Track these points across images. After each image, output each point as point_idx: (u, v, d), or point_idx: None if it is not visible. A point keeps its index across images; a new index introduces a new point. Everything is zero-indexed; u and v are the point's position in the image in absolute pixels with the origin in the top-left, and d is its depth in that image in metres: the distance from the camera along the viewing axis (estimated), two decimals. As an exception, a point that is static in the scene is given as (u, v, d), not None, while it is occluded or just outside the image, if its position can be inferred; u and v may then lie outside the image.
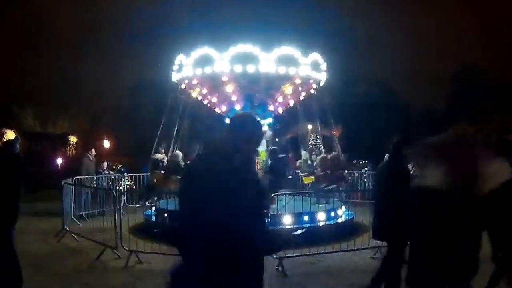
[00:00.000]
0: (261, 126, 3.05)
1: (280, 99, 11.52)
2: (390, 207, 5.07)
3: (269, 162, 11.24)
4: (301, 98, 12.14)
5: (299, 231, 3.14)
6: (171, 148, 13.01)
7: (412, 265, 3.48)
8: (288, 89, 11.10)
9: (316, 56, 11.01)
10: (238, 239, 2.75)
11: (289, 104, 12.31)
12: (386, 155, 16.29)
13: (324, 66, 11.33)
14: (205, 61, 10.42)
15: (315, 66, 10.97)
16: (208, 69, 10.41)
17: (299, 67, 10.49)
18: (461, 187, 3.02)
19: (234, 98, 11.25)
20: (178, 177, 11.60)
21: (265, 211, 3.00)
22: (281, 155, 11.96)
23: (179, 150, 12.88)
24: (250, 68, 10.09)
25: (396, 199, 4.70)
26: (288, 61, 10.28)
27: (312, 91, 11.77)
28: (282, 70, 10.24)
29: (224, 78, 10.52)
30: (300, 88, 11.42)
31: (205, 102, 12.28)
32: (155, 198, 11.87)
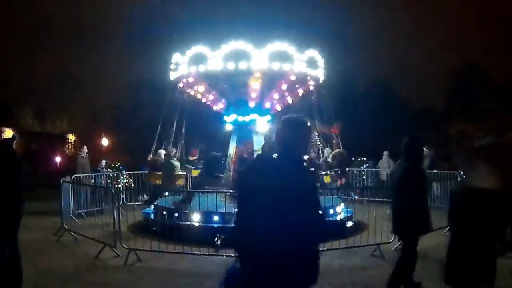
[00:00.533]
0: (310, 127, 3.29)
1: (276, 96, 11.49)
2: (404, 204, 5.49)
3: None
4: (299, 95, 12.12)
5: (349, 223, 3.35)
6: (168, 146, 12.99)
7: (453, 264, 3.62)
8: (283, 85, 11.05)
9: (313, 52, 10.90)
10: (297, 231, 2.95)
11: (287, 102, 12.30)
12: (385, 152, 16.40)
13: (322, 63, 11.29)
14: (199, 59, 10.45)
15: (312, 63, 10.87)
16: (202, 67, 10.43)
17: (294, 63, 10.38)
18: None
19: (228, 95, 11.27)
20: (159, 172, 12.25)
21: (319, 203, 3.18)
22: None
23: (175, 148, 12.93)
24: (242, 65, 10.05)
25: (410, 197, 5.34)
26: (283, 57, 10.20)
27: (310, 87, 11.75)
28: (275, 66, 10.17)
29: (217, 76, 10.52)
30: (297, 85, 11.39)
31: (203, 100, 12.29)
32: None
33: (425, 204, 5.75)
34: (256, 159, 3.28)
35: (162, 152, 12.89)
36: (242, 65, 10.03)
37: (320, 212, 3.20)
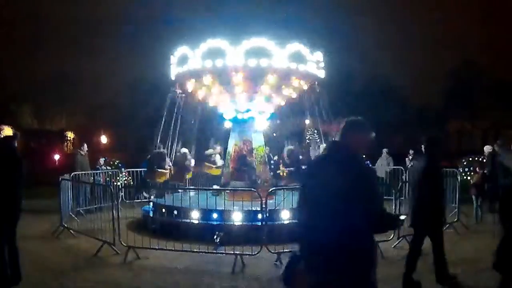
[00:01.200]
0: (370, 129, 3.52)
1: (266, 91, 11.40)
2: (424, 200, 6.04)
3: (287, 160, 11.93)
4: (298, 92, 12.06)
5: (402, 217, 3.57)
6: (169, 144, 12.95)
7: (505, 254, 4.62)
8: (270, 82, 10.96)
9: (297, 46, 10.63)
10: (356, 223, 3.17)
11: (285, 98, 12.24)
12: (384, 150, 16.39)
13: (313, 57, 11.12)
14: (183, 59, 10.63)
15: (298, 57, 10.65)
16: (185, 67, 10.60)
17: (272, 58, 10.18)
18: None
19: (218, 93, 11.23)
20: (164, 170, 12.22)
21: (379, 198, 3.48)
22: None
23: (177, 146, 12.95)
24: (218, 63, 10.07)
25: (429, 192, 5.95)
26: (259, 53, 10.06)
27: (307, 84, 11.69)
28: (252, 63, 10.05)
29: (203, 74, 10.52)
30: (287, 82, 11.31)
31: (200, 98, 12.25)
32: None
33: (443, 199, 6.42)
34: (321, 158, 3.69)
35: (184, 150, 12.91)
36: (218, 63, 10.05)
37: (379, 206, 3.38)
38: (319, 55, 11.14)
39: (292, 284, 3.44)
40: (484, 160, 14.16)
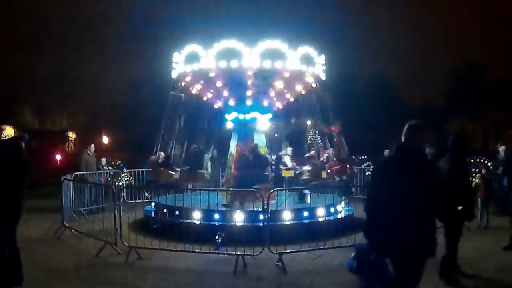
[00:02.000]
0: (426, 128, 4.32)
1: (273, 93, 11.46)
2: (452, 194, 6.20)
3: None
4: (302, 92, 12.09)
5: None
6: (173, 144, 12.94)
7: None
8: (279, 83, 11.02)
9: (307, 49, 10.82)
10: (422, 206, 3.98)
11: (287, 99, 12.28)
12: (386, 151, 16.37)
13: (320, 59, 11.24)
14: (192, 58, 10.57)
15: (307, 59, 10.82)
16: (196, 65, 10.53)
17: (286, 60, 10.36)
18: None
19: (225, 94, 11.27)
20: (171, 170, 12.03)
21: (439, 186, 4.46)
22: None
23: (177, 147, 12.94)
24: (234, 64, 10.12)
25: (457, 187, 6.27)
26: (274, 55, 10.19)
27: (313, 85, 11.72)
28: (267, 64, 10.18)
29: (211, 74, 10.56)
30: (295, 82, 11.36)
31: (204, 98, 12.30)
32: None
33: (471, 194, 6.88)
34: (392, 155, 4.40)
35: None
36: (234, 64, 10.11)
37: (439, 193, 4.22)
38: (312, 52, 11.18)
39: (366, 273, 4.57)
40: (487, 161, 14.15)
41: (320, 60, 11.24)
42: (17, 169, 5.90)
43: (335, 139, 12.74)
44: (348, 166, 11.89)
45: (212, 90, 11.65)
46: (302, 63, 10.66)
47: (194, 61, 10.61)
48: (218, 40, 10.26)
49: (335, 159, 11.77)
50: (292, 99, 12.34)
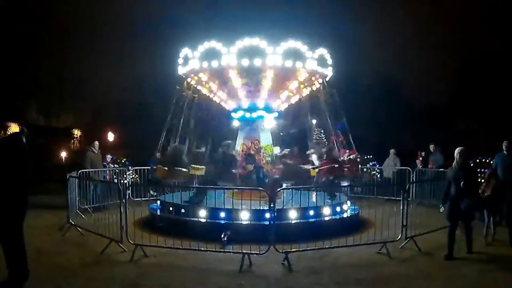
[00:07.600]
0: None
1: (285, 94, 11.47)
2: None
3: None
4: (307, 92, 12.08)
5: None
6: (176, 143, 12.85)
7: None
8: (293, 83, 11.04)
9: (322, 51, 10.93)
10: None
11: (292, 100, 12.27)
12: (391, 150, 16.26)
13: (330, 61, 11.27)
14: (212, 54, 10.41)
15: (322, 61, 10.90)
16: (214, 62, 10.39)
17: (306, 61, 10.44)
18: None
19: (240, 93, 11.21)
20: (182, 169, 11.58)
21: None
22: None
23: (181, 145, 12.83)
24: (257, 62, 10.07)
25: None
26: (295, 55, 10.24)
27: (318, 85, 11.71)
28: (288, 64, 10.19)
29: (231, 73, 10.50)
30: (306, 84, 11.36)
31: (214, 97, 12.25)
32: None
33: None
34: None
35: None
36: (257, 62, 10.09)
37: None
38: (326, 54, 11.18)
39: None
40: (492, 162, 13.93)
41: (330, 61, 11.35)
42: (19, 164, 5.91)
43: (331, 136, 12.62)
44: (348, 166, 11.74)
45: (225, 90, 11.54)
46: (318, 65, 10.76)
47: (213, 58, 10.39)
48: (241, 38, 10.19)
49: (325, 159, 11.53)
50: (298, 98, 12.30)
